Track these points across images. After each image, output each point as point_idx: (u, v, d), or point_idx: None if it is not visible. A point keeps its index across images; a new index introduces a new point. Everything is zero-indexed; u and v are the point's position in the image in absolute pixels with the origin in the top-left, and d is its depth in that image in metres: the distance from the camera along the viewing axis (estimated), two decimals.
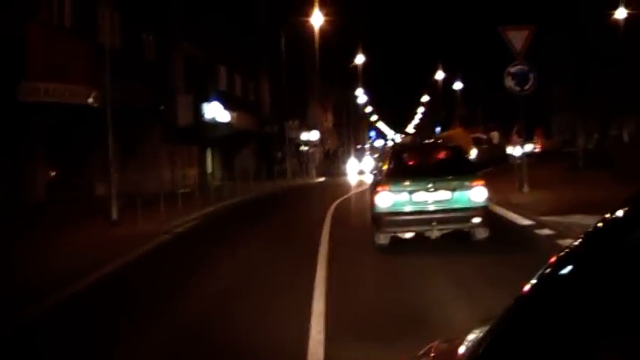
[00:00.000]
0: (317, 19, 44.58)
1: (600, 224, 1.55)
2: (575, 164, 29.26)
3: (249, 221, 19.86)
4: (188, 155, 37.09)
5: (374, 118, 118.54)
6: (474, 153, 43.30)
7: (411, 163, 13.73)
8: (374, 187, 13.39)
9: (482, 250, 11.71)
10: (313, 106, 69.64)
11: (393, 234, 12.33)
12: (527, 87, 18.55)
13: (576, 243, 1.57)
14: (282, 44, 44.16)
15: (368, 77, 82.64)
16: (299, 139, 64.39)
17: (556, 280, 1.52)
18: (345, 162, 61.08)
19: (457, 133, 42.13)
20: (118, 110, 19.36)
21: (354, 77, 75.38)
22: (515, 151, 27.42)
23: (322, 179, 47.54)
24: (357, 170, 55.00)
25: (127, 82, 25.70)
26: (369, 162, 55.48)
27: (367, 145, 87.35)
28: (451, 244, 12.05)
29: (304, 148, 68.18)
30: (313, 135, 66.59)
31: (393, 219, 12.07)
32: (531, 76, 18.45)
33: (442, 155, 13.92)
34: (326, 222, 17.55)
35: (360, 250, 12.68)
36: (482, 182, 12.15)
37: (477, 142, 45.25)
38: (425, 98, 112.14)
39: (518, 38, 18.35)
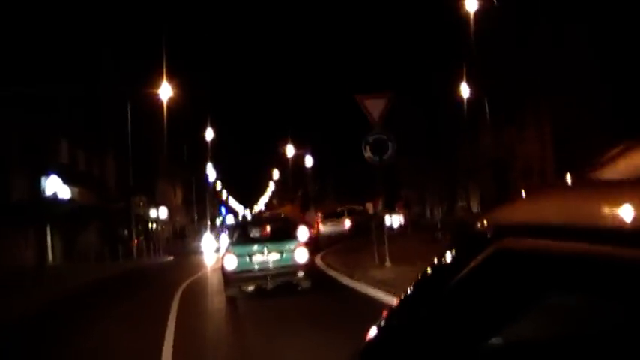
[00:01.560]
0: (165, 91, 43.03)
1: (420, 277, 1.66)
2: (434, 236, 29.14)
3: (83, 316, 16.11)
4: (24, 236, 34.04)
5: (224, 194, 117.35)
6: (347, 223, 45.15)
7: (251, 232, 17.75)
8: (223, 253, 16.75)
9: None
10: (162, 182, 67.57)
11: (238, 288, 15.38)
12: (385, 156, 17.98)
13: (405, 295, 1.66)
14: (129, 116, 42.28)
15: (217, 153, 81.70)
16: (147, 216, 61.92)
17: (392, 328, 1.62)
18: (198, 239, 58.09)
19: (287, 208, 45.36)
20: None
21: (203, 153, 74.12)
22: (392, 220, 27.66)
23: (171, 258, 45.04)
24: (214, 248, 52.40)
25: None
26: (225, 239, 53.27)
27: (218, 221, 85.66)
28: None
29: (153, 225, 65.69)
30: (162, 212, 64.41)
31: (237, 276, 15.20)
32: (390, 145, 17.92)
33: (275, 225, 18.07)
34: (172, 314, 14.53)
35: None
36: (303, 245, 16.03)
37: (350, 213, 46.45)
38: (275, 174, 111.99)
39: (375, 106, 17.88)
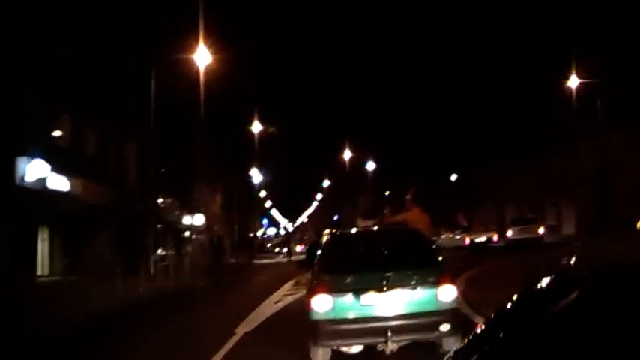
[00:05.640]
0: (202, 56, 31.96)
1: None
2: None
3: None
4: None
5: (267, 204, 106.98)
6: (541, 230, 43.93)
7: (356, 253, 10.57)
8: (309, 287, 10.14)
9: None
10: (199, 184, 57.40)
11: (335, 347, 9.59)
12: None
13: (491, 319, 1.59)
14: (152, 88, 31.65)
15: (263, 155, 71.58)
16: (180, 223, 52.06)
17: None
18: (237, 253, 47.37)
19: (414, 214, 32.50)
20: None
21: (248, 152, 64.09)
22: None
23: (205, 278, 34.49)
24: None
25: None
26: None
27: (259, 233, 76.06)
28: None
29: (186, 234, 55.89)
30: (197, 219, 54.39)
31: (334, 328, 9.21)
32: None
33: (399, 243, 10.76)
34: None
35: None
36: (449, 277, 9.58)
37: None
38: (326, 183, 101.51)
39: None
